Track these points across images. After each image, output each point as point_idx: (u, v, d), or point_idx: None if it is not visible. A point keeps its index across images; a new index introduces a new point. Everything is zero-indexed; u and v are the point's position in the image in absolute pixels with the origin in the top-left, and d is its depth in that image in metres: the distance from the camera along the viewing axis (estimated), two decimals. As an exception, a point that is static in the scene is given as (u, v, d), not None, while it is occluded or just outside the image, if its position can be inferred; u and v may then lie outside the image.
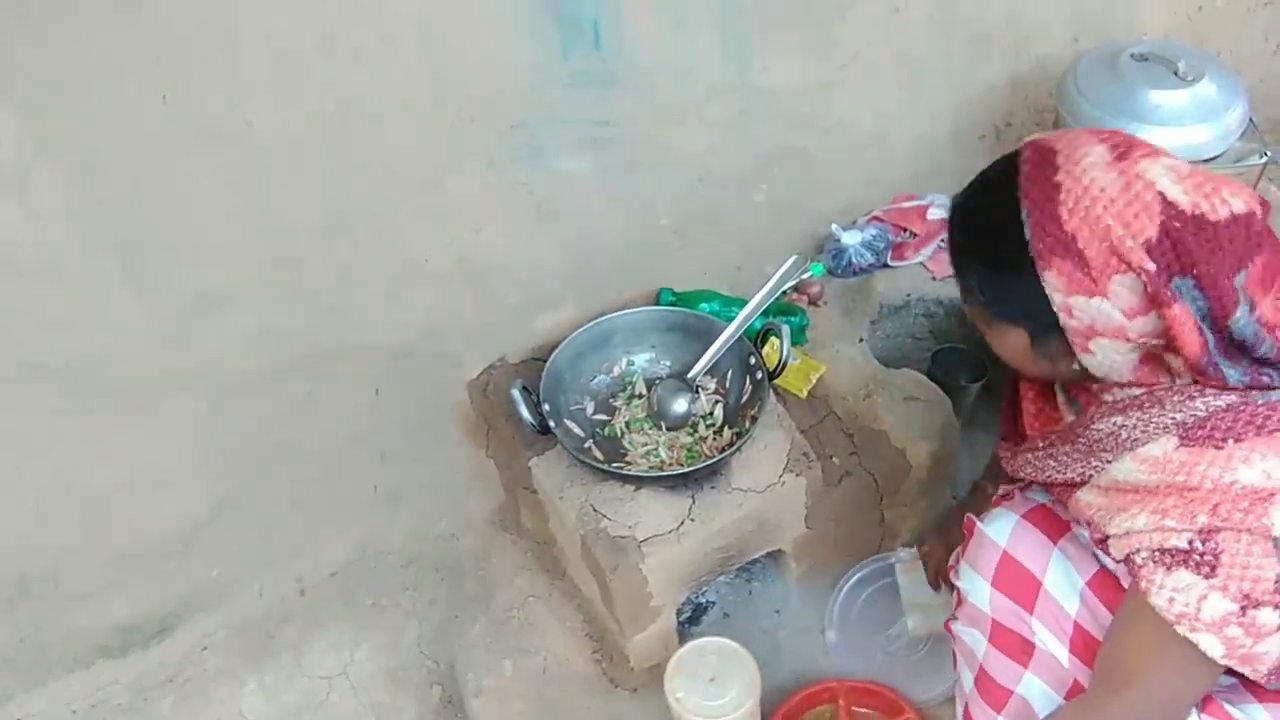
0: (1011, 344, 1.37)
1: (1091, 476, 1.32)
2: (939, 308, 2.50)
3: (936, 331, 2.57)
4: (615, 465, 1.97)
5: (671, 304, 2.24)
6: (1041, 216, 1.22)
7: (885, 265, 2.42)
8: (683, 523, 1.89)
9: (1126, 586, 1.35)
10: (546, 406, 1.97)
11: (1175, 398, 1.25)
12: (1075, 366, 1.31)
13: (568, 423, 2.06)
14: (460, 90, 1.81)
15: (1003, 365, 1.47)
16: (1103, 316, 1.23)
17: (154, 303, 1.76)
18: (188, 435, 1.95)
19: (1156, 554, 1.22)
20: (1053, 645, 1.49)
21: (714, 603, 2.18)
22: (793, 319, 2.23)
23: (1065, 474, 1.37)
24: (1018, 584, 1.51)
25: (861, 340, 2.31)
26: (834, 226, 2.38)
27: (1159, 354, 1.26)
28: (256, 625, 2.28)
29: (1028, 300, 1.26)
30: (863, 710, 1.91)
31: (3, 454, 1.80)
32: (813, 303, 2.37)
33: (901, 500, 2.12)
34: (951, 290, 2.44)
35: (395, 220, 1.89)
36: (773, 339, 2.05)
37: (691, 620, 2.14)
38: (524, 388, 1.96)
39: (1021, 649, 1.52)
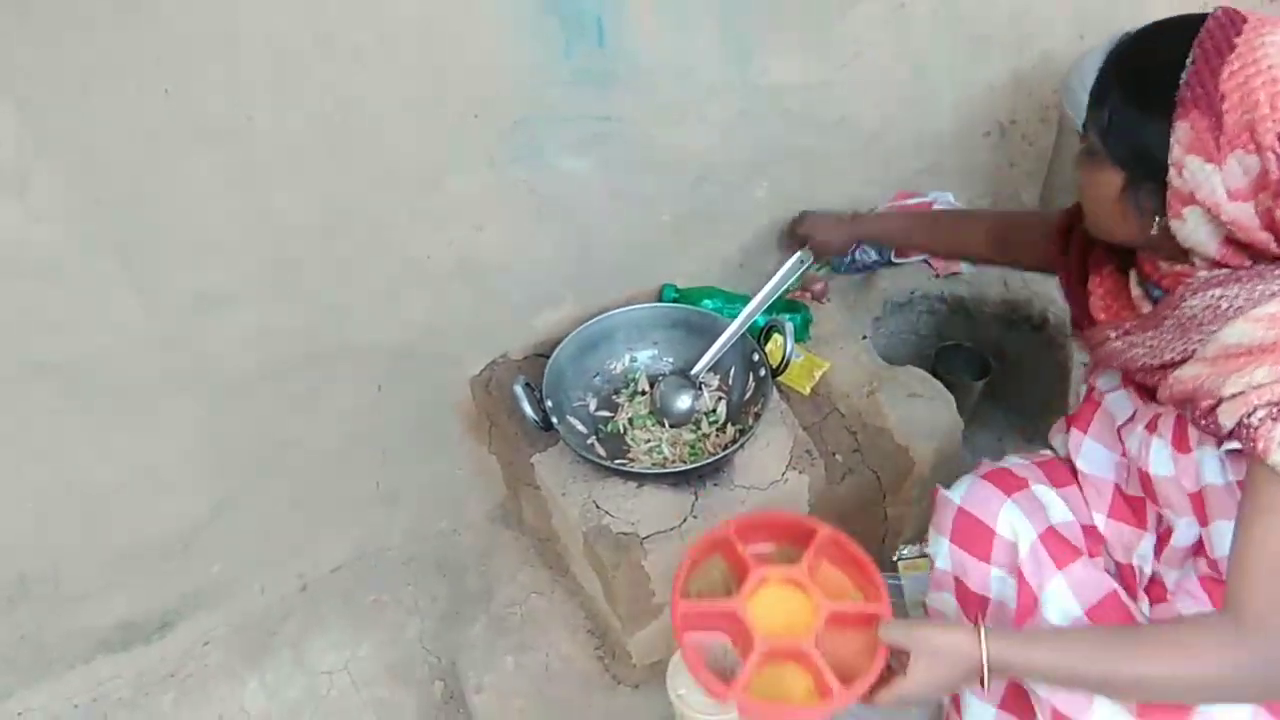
0: (1103, 187, 1.33)
1: (1194, 351, 1.29)
2: (943, 305, 2.50)
3: (940, 329, 2.57)
4: (618, 462, 1.97)
5: (674, 300, 2.24)
6: (1203, 67, 1.19)
7: (889, 263, 2.42)
8: (685, 519, 1.89)
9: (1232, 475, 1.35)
10: (549, 403, 1.97)
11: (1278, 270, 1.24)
12: (1154, 231, 1.29)
13: (570, 419, 2.06)
14: (461, 89, 1.80)
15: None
16: (1207, 186, 1.21)
17: (154, 303, 1.75)
18: (188, 435, 1.95)
19: (1276, 409, 1.19)
20: (1008, 590, 1.54)
21: (716, 600, 2.17)
22: (796, 316, 2.23)
23: (1161, 357, 1.33)
24: (972, 536, 1.58)
25: (865, 337, 2.31)
26: (837, 224, 2.37)
27: (1244, 240, 1.24)
28: (257, 622, 2.29)
29: (1145, 142, 1.24)
30: (761, 548, 1.59)
31: (3, 454, 1.80)
32: (816, 299, 2.37)
33: (904, 498, 2.12)
34: (955, 287, 2.46)
35: (395, 219, 1.89)
36: (776, 336, 2.05)
37: (693, 617, 2.14)
38: (527, 384, 1.96)
39: (981, 607, 1.56)
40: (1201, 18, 1.23)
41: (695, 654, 1.44)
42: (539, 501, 2.14)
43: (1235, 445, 1.23)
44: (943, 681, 1.36)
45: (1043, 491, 1.64)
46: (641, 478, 1.95)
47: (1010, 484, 1.64)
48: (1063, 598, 1.51)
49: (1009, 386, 2.53)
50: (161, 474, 1.97)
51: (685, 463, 1.96)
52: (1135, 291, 1.41)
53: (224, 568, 2.19)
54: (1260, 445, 1.18)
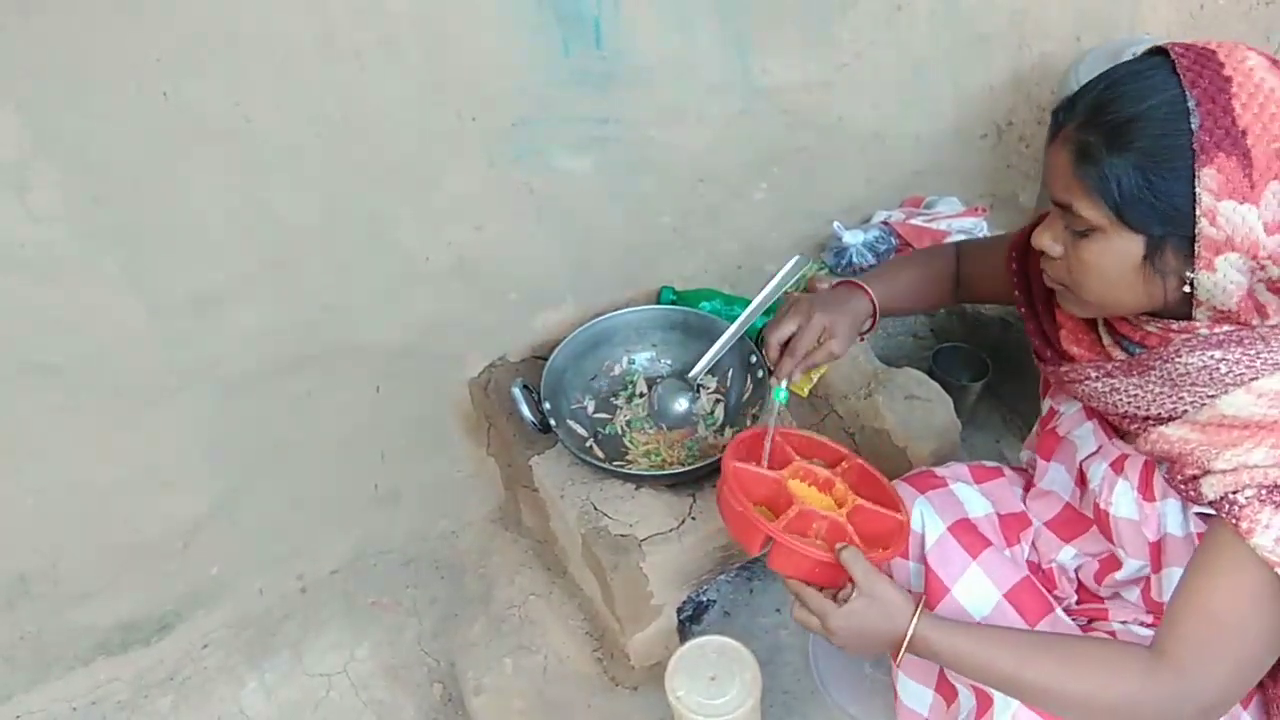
0: (1118, 260, 1.22)
1: (1185, 412, 1.25)
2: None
3: (938, 330, 2.57)
4: (616, 464, 1.97)
5: (672, 303, 2.24)
6: (1214, 108, 1.12)
7: (886, 265, 2.42)
8: (683, 521, 1.89)
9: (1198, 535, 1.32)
10: (547, 405, 1.97)
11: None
12: (1185, 288, 1.21)
13: (569, 421, 2.06)
14: (460, 89, 1.80)
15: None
16: (1244, 227, 1.14)
17: (154, 303, 1.75)
18: (188, 435, 1.95)
19: (1264, 491, 1.17)
20: (922, 581, 1.59)
21: (715, 601, 2.18)
22: (793, 317, 2.22)
23: (1147, 409, 1.29)
24: None
25: (863, 339, 2.30)
26: (836, 225, 2.37)
27: (1265, 286, 1.20)
28: (257, 623, 2.28)
29: (1167, 202, 1.15)
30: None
31: (3, 454, 1.80)
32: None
33: (902, 499, 2.12)
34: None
35: (395, 219, 1.89)
36: (774, 337, 2.05)
37: (692, 619, 2.14)
38: (525, 386, 1.96)
39: None
40: (1152, 60, 1.19)
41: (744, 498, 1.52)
42: (537, 503, 2.14)
43: (1207, 511, 1.23)
44: (866, 628, 1.40)
45: (961, 488, 1.68)
46: (640, 480, 1.95)
47: (927, 484, 1.69)
48: (980, 582, 1.54)
49: (1007, 387, 2.53)
50: (161, 474, 1.97)
51: (683, 465, 1.95)
52: (1106, 341, 1.37)
53: (223, 569, 2.19)
54: (1244, 525, 1.17)
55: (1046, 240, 1.30)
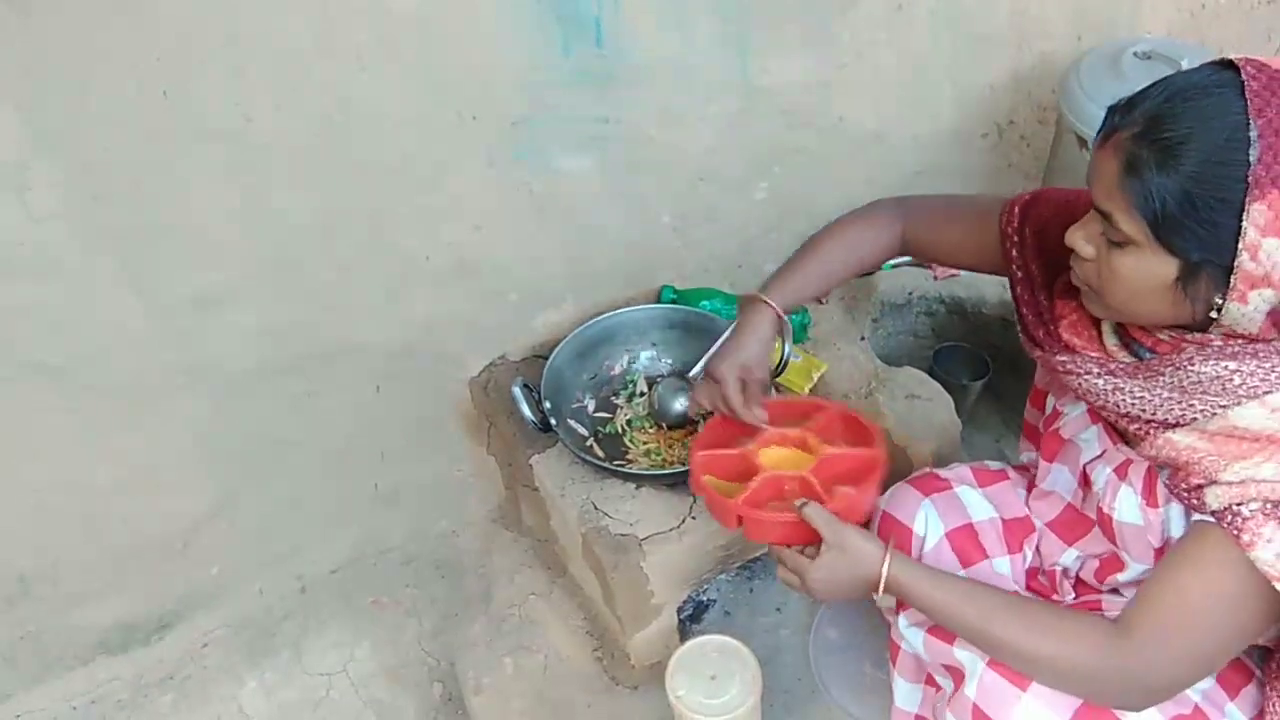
0: (1149, 278, 1.19)
1: (1195, 420, 1.22)
2: (940, 306, 2.51)
3: (938, 330, 2.57)
4: (616, 463, 1.97)
5: (673, 301, 2.24)
6: (1276, 141, 1.07)
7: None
8: (684, 521, 1.89)
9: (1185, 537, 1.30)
10: (548, 404, 1.97)
11: None
12: (1213, 315, 1.18)
13: (569, 421, 2.06)
14: (460, 88, 1.80)
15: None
16: None
17: (154, 302, 1.75)
18: (187, 435, 1.95)
19: (1270, 505, 1.15)
20: None
21: (715, 600, 2.18)
22: (794, 317, 2.22)
23: (1153, 413, 1.26)
24: (895, 536, 1.63)
25: (863, 338, 2.31)
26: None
27: None
28: (256, 623, 2.29)
29: (1210, 231, 1.11)
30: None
31: (2, 454, 1.80)
32: (818, 299, 2.37)
33: (902, 499, 2.12)
34: (953, 288, 2.46)
35: (395, 219, 1.89)
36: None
37: (693, 618, 2.14)
38: (525, 385, 1.96)
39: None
40: (1221, 75, 1.13)
41: (710, 485, 1.59)
42: (538, 502, 2.14)
43: (1207, 519, 1.21)
44: (840, 578, 1.43)
45: (965, 492, 1.69)
46: (640, 479, 1.95)
47: (931, 486, 1.69)
48: None
49: (1007, 387, 2.53)
50: (161, 474, 1.97)
51: (683, 464, 1.94)
52: (1110, 341, 1.35)
53: (223, 568, 2.19)
54: (1245, 538, 1.16)
55: (1080, 240, 1.27)
